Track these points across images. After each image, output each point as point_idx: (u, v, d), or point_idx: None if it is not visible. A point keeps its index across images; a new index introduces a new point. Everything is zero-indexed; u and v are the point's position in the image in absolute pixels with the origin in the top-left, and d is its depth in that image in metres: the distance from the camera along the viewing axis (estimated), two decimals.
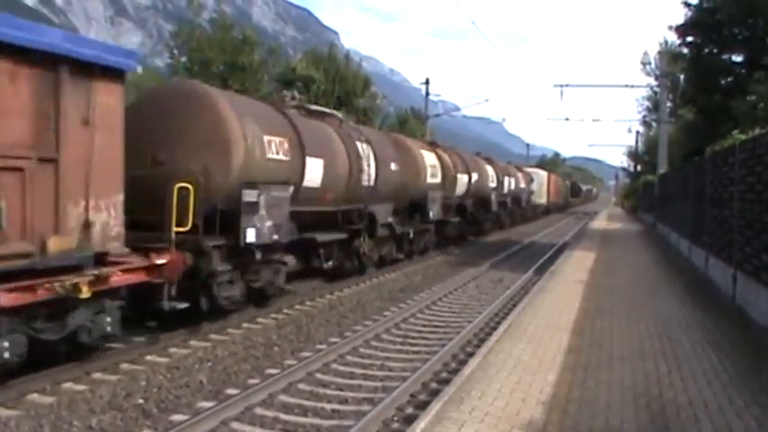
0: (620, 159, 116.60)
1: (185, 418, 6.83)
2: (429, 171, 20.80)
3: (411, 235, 19.65)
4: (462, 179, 25.03)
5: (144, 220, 9.23)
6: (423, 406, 7.11)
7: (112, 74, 7.98)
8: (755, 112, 19.44)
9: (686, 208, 20.46)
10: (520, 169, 43.10)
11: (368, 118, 35.13)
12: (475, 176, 26.62)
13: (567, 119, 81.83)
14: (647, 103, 54.22)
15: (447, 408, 6.32)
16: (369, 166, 15.84)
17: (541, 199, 51.88)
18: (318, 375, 8.62)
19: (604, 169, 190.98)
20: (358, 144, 15.57)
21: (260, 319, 11.62)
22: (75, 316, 7.70)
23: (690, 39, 27.26)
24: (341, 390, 8.10)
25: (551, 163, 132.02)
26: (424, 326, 11.88)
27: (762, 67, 21.83)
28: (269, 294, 12.12)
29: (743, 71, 25.05)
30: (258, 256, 11.11)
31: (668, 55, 38.53)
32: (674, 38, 32.00)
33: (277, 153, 11.66)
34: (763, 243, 9.96)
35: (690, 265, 18.57)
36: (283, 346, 10.04)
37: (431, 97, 47.52)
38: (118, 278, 8.25)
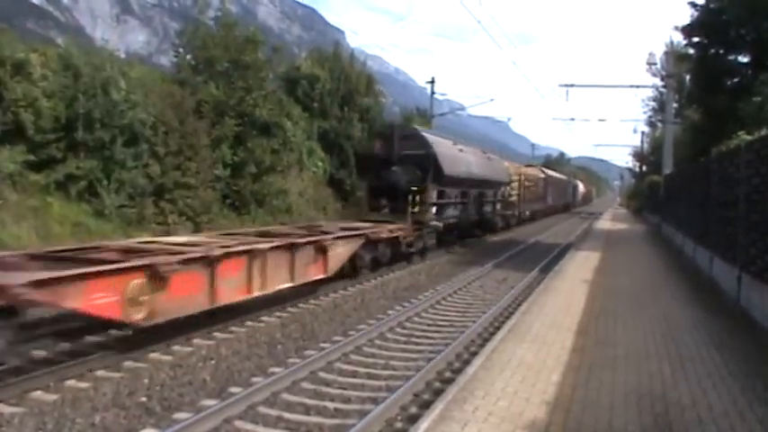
0: (625, 160, 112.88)
1: (188, 416, 6.84)
2: None
3: None
4: None
5: None
6: (426, 405, 7.11)
7: None
8: (761, 113, 19.38)
9: (691, 209, 20.40)
10: None
11: (371, 117, 35.16)
12: None
13: (572, 119, 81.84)
14: (652, 104, 54.21)
15: (451, 407, 6.32)
16: None
17: None
18: (322, 374, 8.62)
19: (610, 169, 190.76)
20: None
21: (264, 318, 11.62)
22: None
23: (696, 39, 27.22)
24: (344, 388, 8.10)
25: (556, 162, 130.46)
26: (428, 325, 11.88)
27: None
28: None
29: (749, 72, 24.99)
30: None
31: (674, 55, 38.44)
32: (680, 38, 31.96)
33: None
34: None
35: (694, 265, 18.52)
36: (287, 345, 10.05)
37: (436, 96, 47.52)
38: None
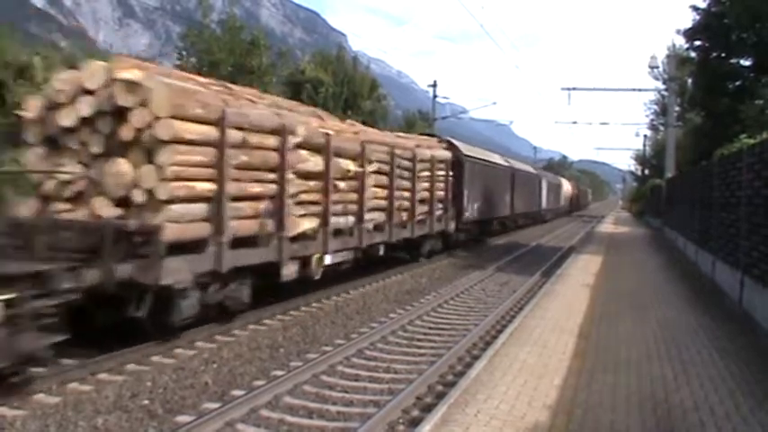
0: (627, 163, 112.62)
1: (191, 419, 6.84)
2: None
3: None
4: None
5: None
6: (428, 408, 7.11)
7: None
8: (763, 116, 19.41)
9: (693, 212, 20.39)
10: None
11: (375, 120, 35.24)
12: None
13: (574, 122, 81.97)
14: (654, 107, 54.19)
15: (452, 410, 6.33)
16: None
17: None
18: (324, 377, 8.62)
19: (612, 173, 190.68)
20: None
21: (266, 321, 11.63)
22: None
23: (698, 43, 27.28)
24: (346, 392, 8.10)
25: (558, 165, 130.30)
26: (430, 328, 11.87)
27: None
28: None
29: (751, 75, 25.02)
30: None
31: (676, 59, 38.48)
32: (682, 42, 32.04)
33: None
34: None
35: (696, 269, 18.51)
36: (289, 348, 10.05)
37: (438, 99, 47.60)
38: None
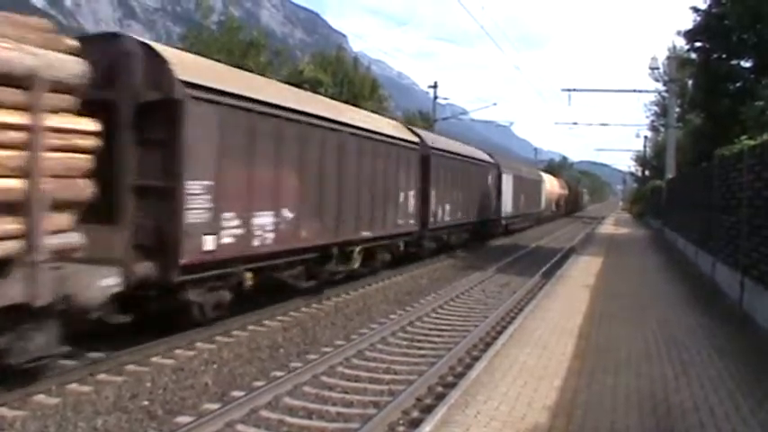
0: (627, 164, 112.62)
1: (190, 419, 6.84)
2: None
3: None
4: None
5: None
6: (428, 409, 7.10)
7: None
8: (764, 117, 19.36)
9: (693, 213, 20.39)
10: None
11: None
12: None
13: (574, 123, 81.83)
14: (655, 108, 54.21)
15: (452, 412, 6.32)
16: None
17: None
18: (324, 378, 8.61)
19: (612, 174, 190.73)
20: None
21: (266, 322, 11.62)
22: None
23: (698, 44, 27.26)
24: (346, 393, 8.09)
25: (559, 167, 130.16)
26: (430, 329, 11.86)
27: None
28: None
29: (751, 76, 24.98)
30: None
31: (677, 60, 38.47)
32: (682, 43, 32.03)
33: None
34: None
35: (697, 270, 18.50)
36: (289, 349, 10.04)
37: (438, 100, 47.57)
38: None
